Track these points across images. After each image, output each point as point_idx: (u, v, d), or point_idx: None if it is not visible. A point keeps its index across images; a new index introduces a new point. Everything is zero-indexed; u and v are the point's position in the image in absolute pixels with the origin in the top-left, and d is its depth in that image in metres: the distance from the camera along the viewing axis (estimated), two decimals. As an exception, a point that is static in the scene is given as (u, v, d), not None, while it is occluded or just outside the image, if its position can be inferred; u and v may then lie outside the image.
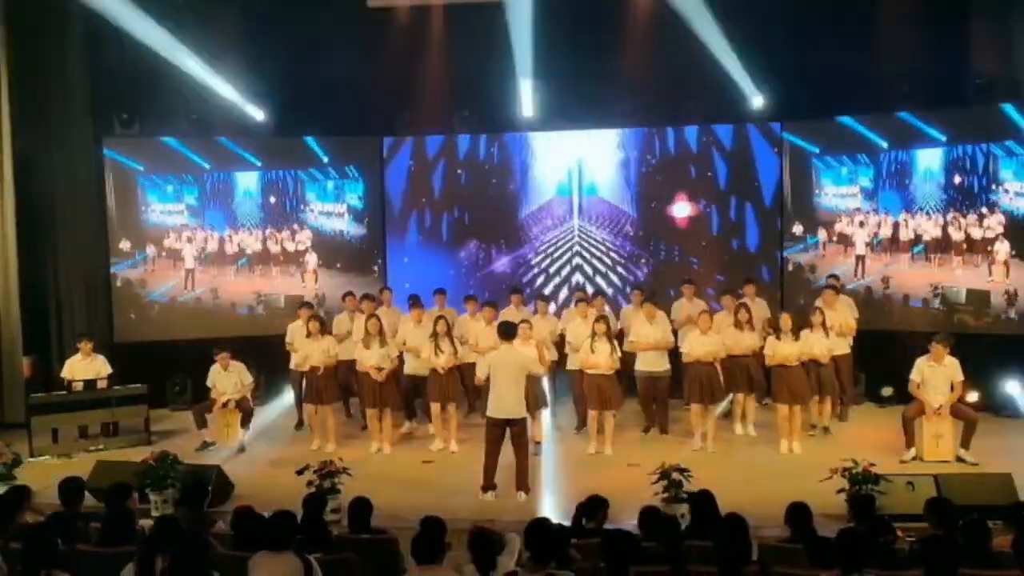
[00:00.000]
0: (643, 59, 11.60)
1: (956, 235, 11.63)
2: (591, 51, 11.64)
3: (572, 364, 10.12)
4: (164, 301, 12.83)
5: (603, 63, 11.75)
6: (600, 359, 9.38)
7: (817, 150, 12.49)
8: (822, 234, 12.62)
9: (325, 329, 10.26)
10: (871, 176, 12.26)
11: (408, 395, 10.47)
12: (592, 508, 5.98)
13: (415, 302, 10.57)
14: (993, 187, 11.23)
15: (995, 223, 11.28)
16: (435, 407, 9.85)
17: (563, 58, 11.59)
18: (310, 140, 12.99)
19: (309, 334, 10.05)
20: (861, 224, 12.45)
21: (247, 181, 13.11)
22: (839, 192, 12.56)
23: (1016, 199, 11.03)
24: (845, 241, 12.51)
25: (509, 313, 10.46)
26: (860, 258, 12.59)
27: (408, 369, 10.34)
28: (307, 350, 10.00)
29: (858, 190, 12.35)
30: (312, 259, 13.22)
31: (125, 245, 12.61)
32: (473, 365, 9.41)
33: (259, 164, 13.10)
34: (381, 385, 9.63)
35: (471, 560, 4.83)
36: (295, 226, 13.19)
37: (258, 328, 12.51)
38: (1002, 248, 11.24)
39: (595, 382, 9.47)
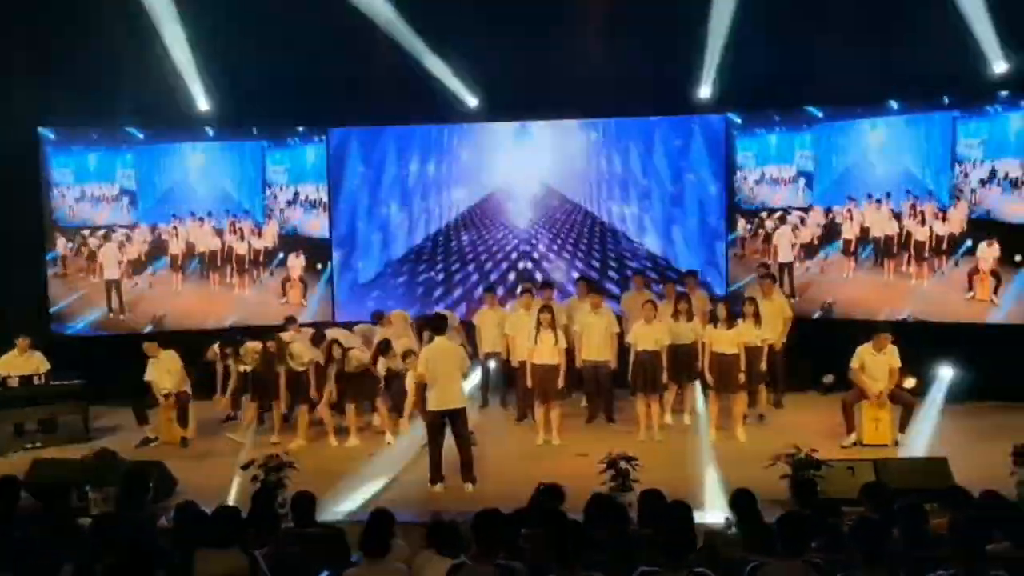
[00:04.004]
0: (590, 50, 11.41)
1: (918, 232, 9.53)
2: (537, 41, 11.40)
3: (517, 355, 10.10)
4: (86, 333, 11.31)
5: (550, 54, 11.50)
6: (544, 349, 9.40)
7: (740, 120, 11.34)
8: (740, 225, 11.52)
9: None
10: (807, 151, 10.61)
11: None
12: (550, 495, 6.03)
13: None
14: (956, 168, 9.41)
15: (959, 216, 9.29)
16: (349, 406, 9.86)
17: (510, 47, 11.40)
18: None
19: None
20: (782, 218, 10.56)
21: (194, 155, 11.45)
22: (765, 175, 11.06)
23: (984, 191, 8.92)
24: (768, 239, 11.20)
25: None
26: (785, 267, 10.90)
27: None
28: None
29: (795, 171, 10.94)
30: (297, 263, 11.77)
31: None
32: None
33: (211, 134, 11.58)
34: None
35: (429, 547, 4.85)
36: (260, 216, 11.52)
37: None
38: (989, 252, 9.15)
39: (539, 373, 9.48)
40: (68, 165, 11.47)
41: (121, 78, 11.14)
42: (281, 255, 11.93)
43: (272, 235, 11.94)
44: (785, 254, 11.16)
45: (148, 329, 11.61)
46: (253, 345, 9.91)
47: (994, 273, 9.36)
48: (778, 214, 11.08)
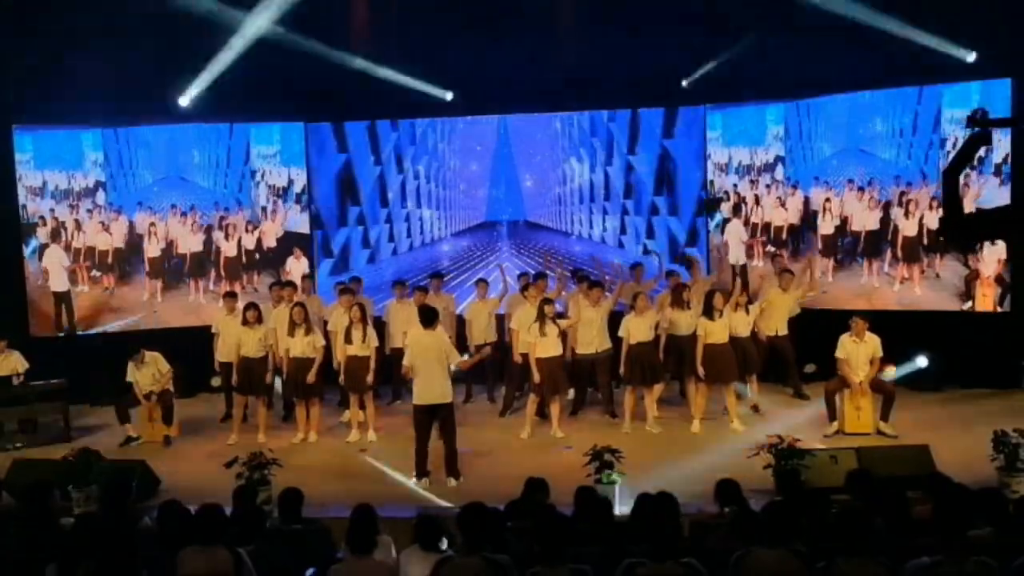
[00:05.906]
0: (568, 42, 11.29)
1: (907, 227, 7.97)
2: (515, 31, 11.09)
3: (521, 349, 9.71)
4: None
5: (527, 43, 11.21)
6: (549, 342, 9.33)
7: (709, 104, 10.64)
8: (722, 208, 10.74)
9: (260, 319, 9.89)
10: (779, 127, 9.75)
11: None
12: (535, 488, 6.03)
13: (343, 290, 10.42)
14: (942, 149, 7.99)
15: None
16: (353, 397, 9.78)
17: (485, 37, 11.11)
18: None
19: (246, 322, 9.79)
20: (736, 206, 9.46)
21: (168, 138, 10.46)
22: (732, 159, 10.27)
23: (978, 178, 7.15)
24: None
25: (429, 299, 10.28)
26: (738, 270, 9.76)
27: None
28: (243, 339, 9.77)
29: (771, 157, 10.27)
30: (298, 266, 11.05)
31: None
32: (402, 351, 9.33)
33: (188, 119, 10.67)
34: (306, 374, 9.51)
35: (414, 542, 4.85)
36: (253, 208, 10.72)
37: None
38: (991, 254, 7.47)
39: (547, 366, 9.34)
40: (25, 145, 10.36)
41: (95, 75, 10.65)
42: (288, 261, 11.27)
43: (272, 233, 11.18)
44: (736, 254, 10.34)
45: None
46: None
47: (999, 279, 7.71)
48: (751, 194, 10.40)
